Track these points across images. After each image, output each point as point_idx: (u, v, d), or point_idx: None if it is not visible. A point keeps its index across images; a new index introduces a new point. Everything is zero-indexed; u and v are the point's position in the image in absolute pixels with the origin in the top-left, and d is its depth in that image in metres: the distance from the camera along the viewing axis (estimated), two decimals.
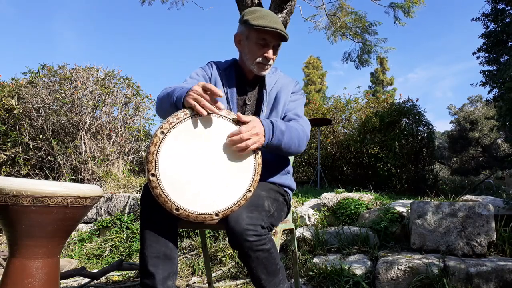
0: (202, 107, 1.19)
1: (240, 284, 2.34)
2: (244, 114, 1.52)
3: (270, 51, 1.45)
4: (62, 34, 55.47)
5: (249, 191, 1.25)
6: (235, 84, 1.53)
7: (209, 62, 1.60)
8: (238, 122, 1.25)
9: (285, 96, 1.53)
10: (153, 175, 1.16)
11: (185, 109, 1.21)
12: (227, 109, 1.29)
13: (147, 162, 1.16)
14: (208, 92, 1.20)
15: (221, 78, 1.53)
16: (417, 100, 6.01)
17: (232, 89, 1.51)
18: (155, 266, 1.25)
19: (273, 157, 1.49)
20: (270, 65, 1.48)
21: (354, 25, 7.16)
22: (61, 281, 1.75)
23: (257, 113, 1.53)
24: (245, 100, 1.54)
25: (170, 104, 1.29)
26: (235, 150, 1.22)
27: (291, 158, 1.71)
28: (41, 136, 4.73)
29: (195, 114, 1.21)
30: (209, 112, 1.20)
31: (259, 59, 1.45)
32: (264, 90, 1.52)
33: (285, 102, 1.52)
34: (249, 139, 1.21)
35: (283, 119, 1.51)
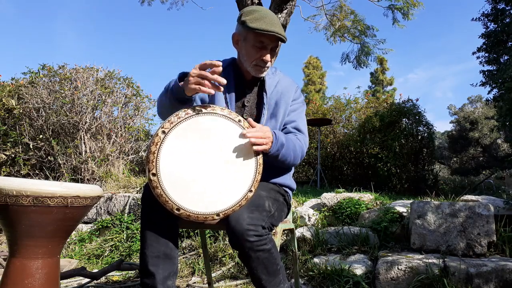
0: (207, 86, 1.19)
1: (240, 284, 2.34)
2: (242, 116, 1.51)
3: (268, 55, 1.42)
4: (63, 34, 55.51)
5: (250, 191, 1.25)
6: (234, 85, 1.50)
7: None
8: (239, 121, 1.25)
9: (285, 104, 1.51)
10: (154, 174, 1.15)
11: (186, 109, 1.21)
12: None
13: (148, 161, 1.16)
14: (209, 69, 1.20)
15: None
16: (417, 100, 6.01)
17: (231, 90, 1.48)
18: (155, 266, 1.25)
19: None
20: (267, 67, 1.46)
21: (352, 27, 7.16)
22: (61, 281, 1.75)
23: (257, 115, 1.51)
24: (244, 102, 1.51)
25: (169, 98, 1.29)
26: (250, 143, 1.23)
27: None
28: (41, 136, 4.72)
29: (196, 114, 1.20)
30: (216, 85, 1.20)
31: (256, 62, 1.42)
32: (264, 93, 1.49)
33: (286, 110, 1.51)
34: (265, 139, 1.26)
35: (283, 129, 1.50)
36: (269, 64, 1.45)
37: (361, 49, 7.51)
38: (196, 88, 1.18)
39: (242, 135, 1.24)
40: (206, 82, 1.18)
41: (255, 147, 1.24)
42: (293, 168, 1.65)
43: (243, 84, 1.52)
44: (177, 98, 1.26)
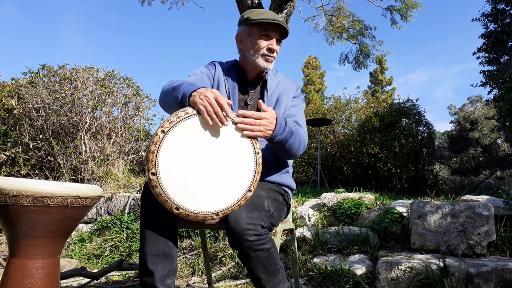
0: (210, 117, 1.18)
1: (240, 284, 2.34)
2: None
3: (274, 41, 1.49)
4: (64, 35, 55.60)
5: (249, 191, 1.25)
6: (237, 84, 1.55)
7: (212, 62, 1.62)
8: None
9: (287, 99, 1.55)
10: (153, 174, 1.15)
11: (186, 108, 1.21)
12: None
13: (148, 161, 1.16)
14: (219, 106, 1.20)
15: (224, 77, 1.55)
16: (417, 100, 6.02)
17: (234, 89, 1.53)
18: (155, 264, 1.25)
19: (273, 156, 1.50)
20: (274, 58, 1.51)
21: (351, 27, 7.17)
22: (61, 281, 1.75)
23: None
24: (247, 101, 1.56)
25: (174, 98, 1.29)
26: (240, 128, 1.23)
27: None
28: (41, 136, 4.72)
29: (196, 113, 1.21)
30: (214, 123, 1.20)
31: (263, 51, 1.48)
32: (265, 91, 1.54)
33: (286, 106, 1.55)
34: (259, 126, 1.25)
35: None
36: (275, 54, 1.50)
37: (360, 50, 7.53)
38: (201, 109, 1.19)
39: (235, 123, 1.24)
40: (211, 113, 1.18)
41: (245, 132, 1.24)
42: (292, 168, 1.66)
43: (246, 84, 1.58)
44: (182, 104, 1.27)
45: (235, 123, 1.23)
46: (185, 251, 2.99)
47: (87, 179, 4.63)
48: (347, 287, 2.06)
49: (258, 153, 1.27)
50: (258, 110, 1.53)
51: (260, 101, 1.29)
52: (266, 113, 1.27)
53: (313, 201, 3.34)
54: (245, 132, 1.24)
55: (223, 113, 1.20)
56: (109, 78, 5.22)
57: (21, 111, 4.70)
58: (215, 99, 1.19)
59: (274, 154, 1.50)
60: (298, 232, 2.68)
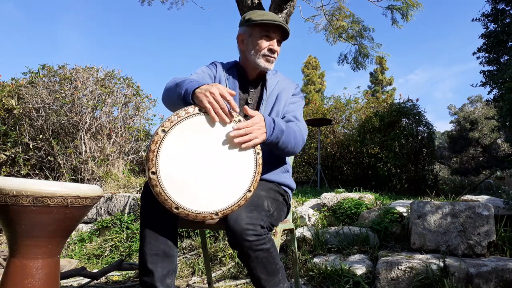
0: (217, 114, 1.19)
1: (240, 284, 2.34)
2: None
3: (275, 42, 1.50)
4: (65, 35, 55.64)
5: (249, 191, 1.25)
6: (238, 84, 1.56)
7: (213, 62, 1.64)
8: (239, 121, 1.25)
9: (286, 97, 1.57)
10: (153, 173, 1.15)
11: (187, 107, 1.21)
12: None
13: (148, 160, 1.16)
14: (225, 101, 1.21)
15: (225, 76, 1.56)
16: (417, 100, 6.01)
17: (235, 88, 1.55)
18: (154, 264, 1.25)
19: (273, 155, 1.50)
20: (275, 58, 1.52)
21: (350, 28, 7.18)
22: (61, 281, 1.75)
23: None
24: (247, 100, 1.57)
25: (177, 95, 1.29)
26: (237, 142, 1.22)
27: (291, 158, 1.72)
28: (41, 136, 4.72)
29: (197, 113, 1.20)
30: (221, 119, 1.21)
31: (264, 51, 1.49)
32: (264, 90, 1.56)
33: (286, 102, 1.56)
34: (253, 133, 1.24)
35: (282, 118, 1.53)
36: (276, 55, 1.52)
37: (359, 51, 7.54)
38: (206, 107, 1.19)
39: (230, 138, 1.22)
40: (218, 110, 1.19)
41: (243, 145, 1.23)
42: (292, 168, 1.66)
43: (246, 83, 1.59)
44: (185, 100, 1.27)
45: (232, 136, 1.22)
46: (185, 251, 2.99)
47: (87, 179, 4.63)
48: (347, 287, 2.06)
49: (258, 153, 1.27)
50: (259, 109, 1.55)
51: (246, 106, 1.27)
52: (255, 118, 1.27)
53: (313, 201, 3.34)
54: (243, 145, 1.23)
55: (230, 108, 1.22)
56: (109, 78, 5.22)
57: (21, 111, 4.70)
58: (220, 95, 1.20)
59: (274, 152, 1.50)
60: (298, 232, 2.68)
